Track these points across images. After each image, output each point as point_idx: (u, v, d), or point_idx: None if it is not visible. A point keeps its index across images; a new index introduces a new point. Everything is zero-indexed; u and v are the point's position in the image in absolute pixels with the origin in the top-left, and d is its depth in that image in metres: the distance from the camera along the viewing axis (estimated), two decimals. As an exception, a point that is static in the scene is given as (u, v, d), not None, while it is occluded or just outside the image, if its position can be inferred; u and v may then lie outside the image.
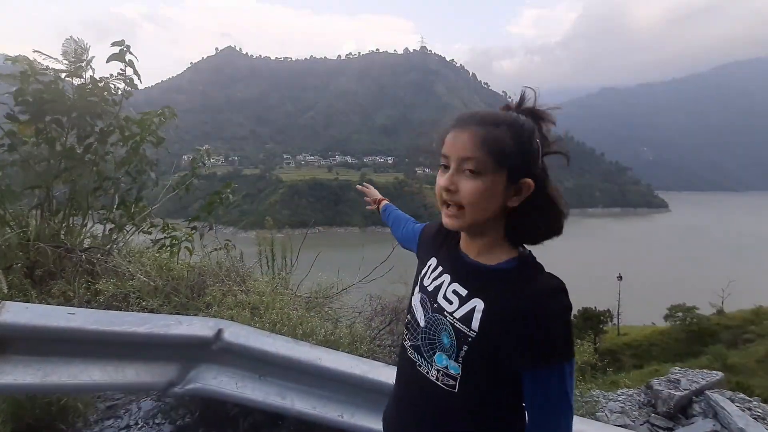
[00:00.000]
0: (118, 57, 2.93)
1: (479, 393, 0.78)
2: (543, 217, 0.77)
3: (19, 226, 2.96)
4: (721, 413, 2.27)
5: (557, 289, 0.72)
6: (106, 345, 1.58)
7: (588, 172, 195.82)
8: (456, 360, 0.77)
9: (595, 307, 26.88)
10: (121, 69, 2.94)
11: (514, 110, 0.79)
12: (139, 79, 3.06)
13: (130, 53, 2.97)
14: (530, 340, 0.70)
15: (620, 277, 33.51)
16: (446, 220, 0.79)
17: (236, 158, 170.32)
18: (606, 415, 2.41)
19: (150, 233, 3.35)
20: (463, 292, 0.79)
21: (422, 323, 0.86)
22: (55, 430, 1.92)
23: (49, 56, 2.79)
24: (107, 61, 2.87)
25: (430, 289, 0.86)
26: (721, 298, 31.38)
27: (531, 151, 0.75)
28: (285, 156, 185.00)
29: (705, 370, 2.75)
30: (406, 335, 0.92)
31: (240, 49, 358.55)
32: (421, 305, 0.88)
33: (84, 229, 3.28)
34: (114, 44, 2.95)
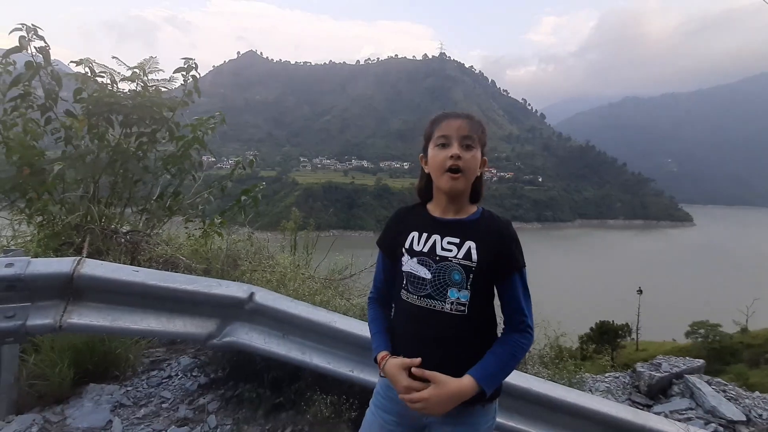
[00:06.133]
0: (184, 70, 3.32)
1: (481, 309, 1.10)
2: (482, 185, 1.19)
3: (69, 211, 3.36)
4: (697, 393, 2.44)
5: (510, 222, 1.15)
6: (161, 299, 1.91)
7: (608, 183, 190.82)
8: (466, 288, 1.07)
9: (613, 321, 26.39)
10: (183, 81, 3.33)
11: None
12: (198, 95, 3.44)
13: (196, 71, 3.36)
14: (508, 255, 1.09)
15: (640, 291, 32.70)
16: (453, 183, 1.09)
17: (254, 160, 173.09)
18: (591, 392, 2.61)
19: (193, 221, 3.68)
20: (456, 240, 1.10)
21: (428, 276, 1.09)
22: (110, 376, 2.27)
23: (123, 62, 3.21)
24: (174, 72, 3.28)
25: (425, 250, 1.11)
26: (746, 315, 30.31)
27: (485, 138, 1.16)
28: (301, 159, 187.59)
29: (687, 357, 2.92)
30: (410, 293, 1.12)
31: (261, 53, 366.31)
32: (421, 264, 1.11)
33: (123, 218, 3.66)
34: (184, 59, 3.36)
